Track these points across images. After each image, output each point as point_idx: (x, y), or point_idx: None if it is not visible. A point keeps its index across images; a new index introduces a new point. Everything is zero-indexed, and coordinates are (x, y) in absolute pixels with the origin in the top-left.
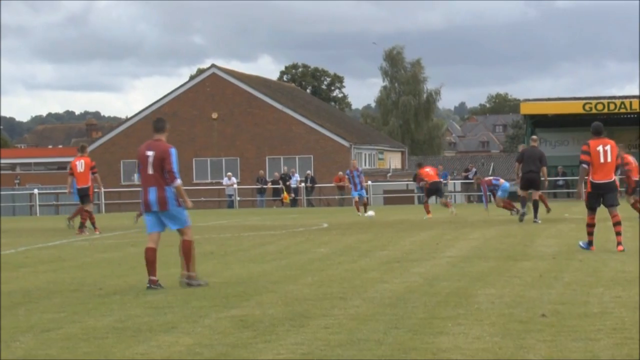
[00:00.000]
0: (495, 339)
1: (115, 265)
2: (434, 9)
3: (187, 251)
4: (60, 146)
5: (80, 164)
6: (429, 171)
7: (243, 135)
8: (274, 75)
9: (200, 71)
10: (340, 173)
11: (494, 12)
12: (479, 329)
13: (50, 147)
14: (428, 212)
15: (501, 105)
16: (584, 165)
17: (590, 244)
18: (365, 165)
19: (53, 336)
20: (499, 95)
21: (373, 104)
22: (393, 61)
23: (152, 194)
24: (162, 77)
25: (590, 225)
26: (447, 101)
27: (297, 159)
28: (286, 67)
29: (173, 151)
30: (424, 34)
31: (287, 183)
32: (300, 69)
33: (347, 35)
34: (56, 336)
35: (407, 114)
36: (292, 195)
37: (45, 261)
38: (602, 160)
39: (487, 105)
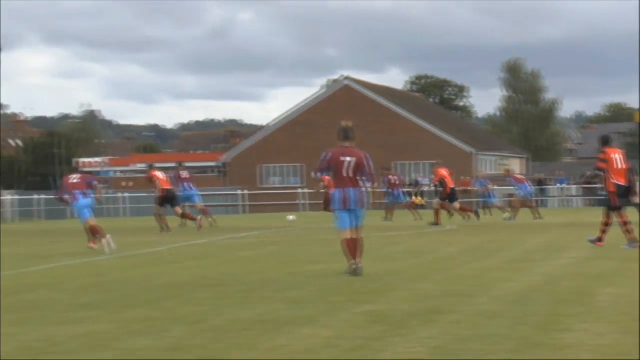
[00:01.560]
0: (616, 336)
1: (255, 263)
2: (554, 21)
3: (360, 245)
4: (200, 152)
5: (160, 174)
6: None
7: (373, 141)
8: (401, 86)
9: (333, 82)
10: (468, 178)
11: (609, 24)
12: (600, 326)
13: (197, 152)
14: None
15: (618, 114)
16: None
17: (599, 239)
18: (488, 170)
19: (201, 327)
20: (615, 104)
21: (497, 113)
22: (513, 72)
23: (352, 194)
24: (297, 87)
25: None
26: (566, 110)
27: (423, 164)
28: (414, 78)
29: (367, 162)
30: (544, 46)
31: (417, 187)
32: (427, 80)
33: (470, 47)
34: (204, 327)
35: (528, 123)
36: (423, 198)
37: (192, 258)
38: (618, 166)
39: (604, 114)
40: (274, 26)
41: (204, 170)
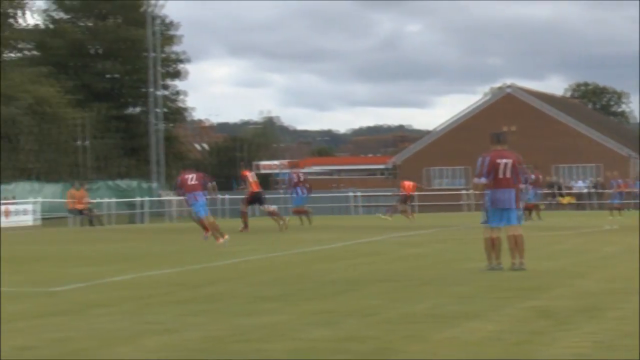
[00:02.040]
0: None
1: (423, 259)
2: None
3: (519, 243)
4: (370, 155)
5: (251, 175)
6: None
7: (533, 146)
8: (560, 92)
9: (497, 89)
10: (628, 180)
11: None
12: None
13: (368, 155)
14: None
15: None
16: None
17: None
18: None
19: (374, 320)
20: None
21: None
22: None
23: (505, 194)
24: (461, 95)
25: None
26: None
27: (583, 167)
28: (573, 85)
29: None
30: None
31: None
32: (586, 87)
33: (628, 55)
34: (377, 320)
35: None
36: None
37: (362, 254)
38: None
39: None
40: (440, 37)
41: (373, 172)
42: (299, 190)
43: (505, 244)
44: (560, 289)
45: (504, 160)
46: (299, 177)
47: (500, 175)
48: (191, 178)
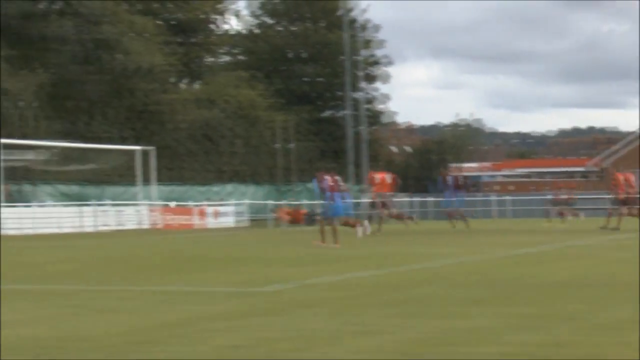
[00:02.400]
0: None
1: (634, 264)
2: None
3: None
4: (569, 157)
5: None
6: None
7: None
8: None
9: None
10: None
11: None
12: None
13: (566, 157)
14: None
15: None
16: None
17: None
18: None
19: (581, 325)
20: None
21: None
22: None
23: None
24: None
25: None
26: None
27: None
28: None
29: None
30: None
31: None
32: None
33: None
34: (584, 325)
35: None
36: None
37: (566, 258)
38: None
39: None
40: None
41: (571, 175)
42: (456, 194)
43: None
44: None
45: None
46: (457, 180)
47: None
48: (331, 179)
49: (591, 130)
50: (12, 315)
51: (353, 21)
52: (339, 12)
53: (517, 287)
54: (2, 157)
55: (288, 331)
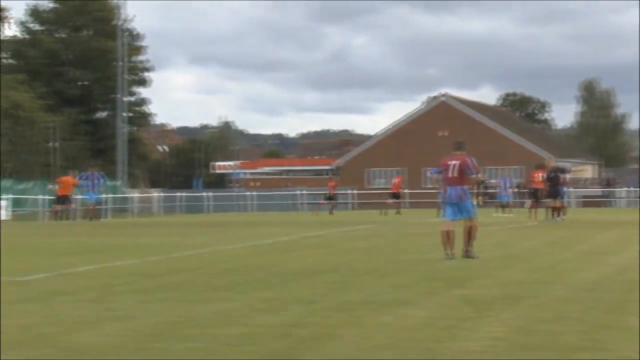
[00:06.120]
0: None
1: (364, 252)
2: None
3: (469, 232)
4: (317, 157)
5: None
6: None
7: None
8: (493, 102)
9: (432, 98)
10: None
11: None
12: None
13: (315, 157)
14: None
15: None
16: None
17: None
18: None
19: (315, 307)
20: None
21: (573, 125)
22: (588, 90)
23: (453, 191)
24: (402, 102)
25: None
26: (634, 122)
27: (508, 169)
28: (503, 94)
29: (470, 161)
30: (619, 66)
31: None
32: (514, 97)
33: (552, 67)
34: (318, 307)
35: (601, 134)
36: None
37: (309, 247)
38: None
39: None
40: (383, 50)
41: (319, 172)
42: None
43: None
44: (485, 279)
45: (453, 162)
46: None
47: (452, 175)
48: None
49: (336, 132)
50: None
51: (124, 31)
52: (114, 22)
53: (260, 273)
54: None
55: (50, 317)
